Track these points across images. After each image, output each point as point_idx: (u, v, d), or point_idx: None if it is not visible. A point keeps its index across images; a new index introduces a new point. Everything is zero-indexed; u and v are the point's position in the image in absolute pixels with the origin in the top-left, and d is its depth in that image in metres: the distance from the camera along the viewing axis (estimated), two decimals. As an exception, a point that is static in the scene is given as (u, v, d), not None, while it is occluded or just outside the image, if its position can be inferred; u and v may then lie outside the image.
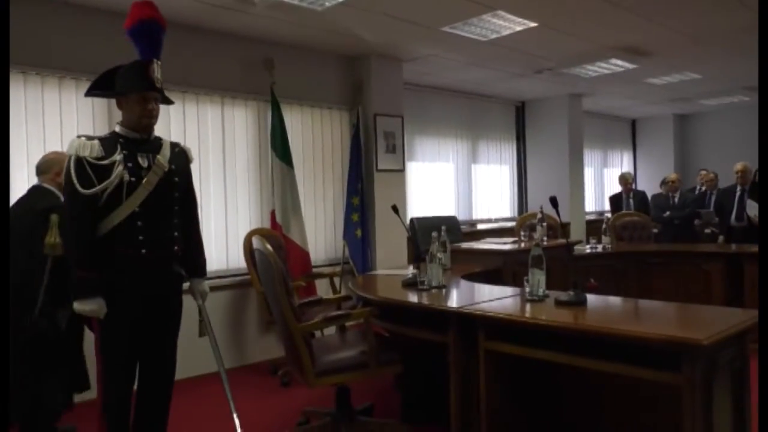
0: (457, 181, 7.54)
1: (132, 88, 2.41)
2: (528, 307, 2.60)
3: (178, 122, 4.49)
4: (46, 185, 3.07)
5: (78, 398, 3.22)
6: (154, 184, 2.42)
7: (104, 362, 2.43)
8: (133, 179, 2.37)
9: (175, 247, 2.53)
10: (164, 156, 2.49)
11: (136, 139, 2.45)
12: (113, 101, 2.58)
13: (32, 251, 2.77)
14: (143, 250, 2.39)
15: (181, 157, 2.61)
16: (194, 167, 4.58)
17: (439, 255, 3.18)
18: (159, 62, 2.45)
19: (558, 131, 8.12)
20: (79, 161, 2.31)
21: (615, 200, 7.55)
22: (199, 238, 2.74)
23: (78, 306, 2.33)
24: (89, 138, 2.37)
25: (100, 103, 4.02)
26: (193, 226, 2.69)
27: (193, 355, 3.53)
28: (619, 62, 6.03)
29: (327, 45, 5.20)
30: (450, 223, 4.90)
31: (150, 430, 2.59)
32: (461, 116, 7.59)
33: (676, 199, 6.63)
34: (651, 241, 6.12)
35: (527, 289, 2.69)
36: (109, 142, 2.40)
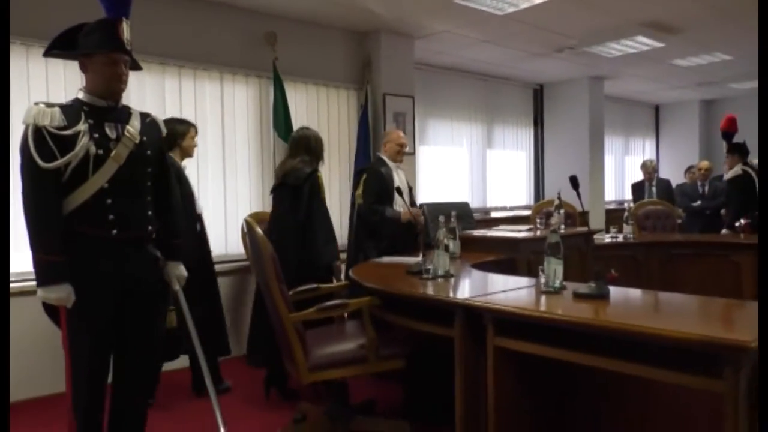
0: (471, 166, 7.24)
1: (99, 47, 2.16)
2: (542, 299, 2.32)
3: (174, 99, 4.26)
4: (381, 155, 4.06)
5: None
6: (124, 157, 2.18)
7: (73, 356, 2.19)
8: (100, 152, 2.13)
9: (149, 227, 2.29)
10: (134, 126, 2.24)
11: (103, 107, 2.20)
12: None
13: (352, 202, 4.15)
14: (114, 231, 2.16)
15: (152, 128, 2.36)
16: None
17: (446, 241, 2.91)
18: (128, 21, 2.20)
19: (578, 116, 7.76)
20: (38, 131, 2.06)
21: (637, 188, 7.21)
22: (175, 218, 2.49)
23: (42, 293, 2.10)
24: (49, 105, 2.11)
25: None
26: (169, 204, 2.45)
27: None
28: (645, 40, 5.65)
29: (333, 18, 4.92)
30: (461, 209, 4.62)
31: (126, 430, 2.37)
32: (476, 99, 7.26)
33: (706, 188, 6.27)
34: (675, 231, 5.79)
35: (542, 280, 2.41)
36: (71, 110, 2.14)
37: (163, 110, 4.14)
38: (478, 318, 2.30)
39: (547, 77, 7.65)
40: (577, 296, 2.24)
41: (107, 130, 2.19)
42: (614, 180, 9.39)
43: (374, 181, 3.86)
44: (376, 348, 2.68)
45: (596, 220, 7.66)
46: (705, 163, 6.54)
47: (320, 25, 5.02)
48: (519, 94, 7.89)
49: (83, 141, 2.10)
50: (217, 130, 4.49)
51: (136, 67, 2.38)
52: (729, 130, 5.83)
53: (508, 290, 2.50)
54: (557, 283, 2.37)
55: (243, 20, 4.56)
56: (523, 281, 2.71)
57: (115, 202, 2.16)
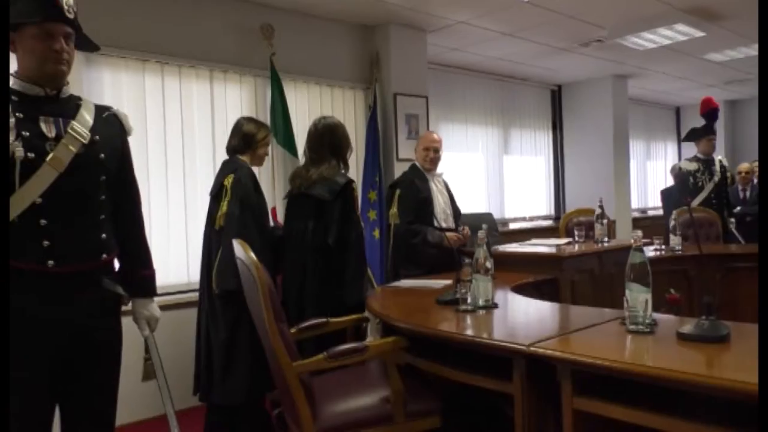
0: (487, 173, 6.66)
1: (27, 16, 1.60)
2: (631, 341, 1.74)
3: (156, 100, 3.69)
4: (416, 162, 3.64)
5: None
6: (65, 162, 1.62)
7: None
8: (30, 155, 1.58)
9: (103, 256, 1.71)
10: (83, 122, 1.69)
11: (38, 96, 1.66)
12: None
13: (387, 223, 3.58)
14: (50, 262, 1.59)
15: (111, 125, 1.80)
16: (177, 157, 3.82)
17: (487, 263, 2.32)
18: None
19: (600, 118, 7.20)
20: None
21: (667, 195, 6.63)
22: (143, 242, 1.92)
23: None
24: None
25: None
26: (134, 224, 1.89)
27: (143, 393, 2.75)
28: (685, 29, 5.08)
29: (337, 10, 4.37)
30: (486, 221, 4.06)
31: None
32: (491, 101, 6.71)
33: (748, 193, 5.68)
34: (720, 241, 5.19)
35: (626, 314, 1.83)
36: None
37: (143, 113, 3.58)
38: (547, 369, 1.71)
39: (566, 77, 7.10)
40: (685, 338, 1.65)
41: (43, 126, 1.63)
42: (637, 186, 8.80)
43: (410, 196, 3.42)
44: (404, 403, 2.09)
45: (623, 230, 7.07)
46: (746, 166, 5.98)
47: (323, 17, 4.47)
48: (536, 95, 7.33)
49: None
50: (207, 136, 3.92)
51: (90, 46, 1.82)
52: (715, 110, 5.18)
53: (582, 329, 1.90)
54: (648, 319, 1.79)
55: (236, 11, 4.01)
56: (595, 315, 2.11)
57: (51, 224, 1.60)
